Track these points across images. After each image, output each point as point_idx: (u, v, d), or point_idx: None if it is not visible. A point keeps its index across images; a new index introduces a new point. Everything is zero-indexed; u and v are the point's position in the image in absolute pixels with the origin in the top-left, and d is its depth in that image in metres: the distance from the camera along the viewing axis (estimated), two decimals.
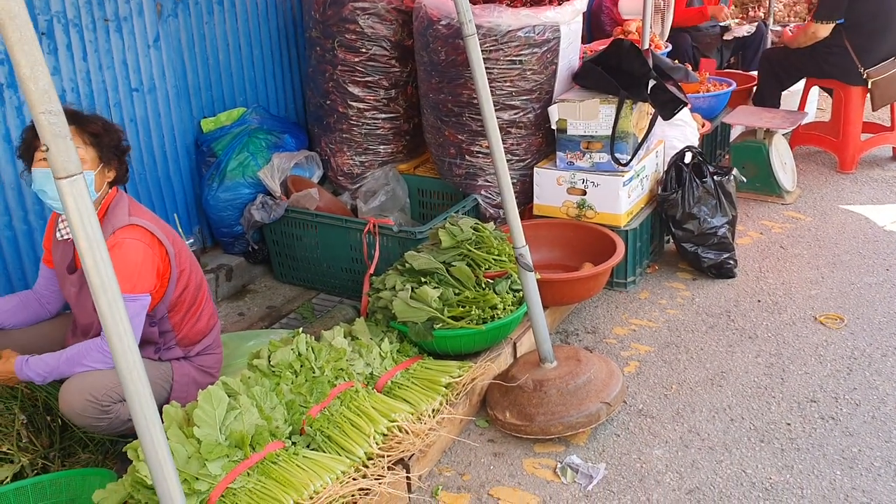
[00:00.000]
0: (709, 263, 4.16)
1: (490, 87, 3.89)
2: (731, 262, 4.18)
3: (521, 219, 4.28)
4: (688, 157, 4.24)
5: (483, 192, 4.19)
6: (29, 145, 2.69)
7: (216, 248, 4.49)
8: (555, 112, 4.01)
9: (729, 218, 4.16)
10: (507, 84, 3.97)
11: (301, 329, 3.05)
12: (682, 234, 4.14)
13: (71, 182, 1.60)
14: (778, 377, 3.35)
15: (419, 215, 4.59)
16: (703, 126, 5.12)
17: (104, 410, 2.62)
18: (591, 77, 4.02)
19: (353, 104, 4.40)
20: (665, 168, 4.29)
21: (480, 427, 3.15)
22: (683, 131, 4.53)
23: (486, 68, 3.88)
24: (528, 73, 3.97)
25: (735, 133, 5.81)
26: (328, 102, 4.46)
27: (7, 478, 2.69)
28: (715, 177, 4.17)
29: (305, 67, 4.68)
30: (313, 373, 2.82)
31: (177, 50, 4.08)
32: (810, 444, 2.93)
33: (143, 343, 2.85)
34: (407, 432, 2.68)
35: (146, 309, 2.68)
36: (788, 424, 3.05)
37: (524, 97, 4.03)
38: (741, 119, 5.31)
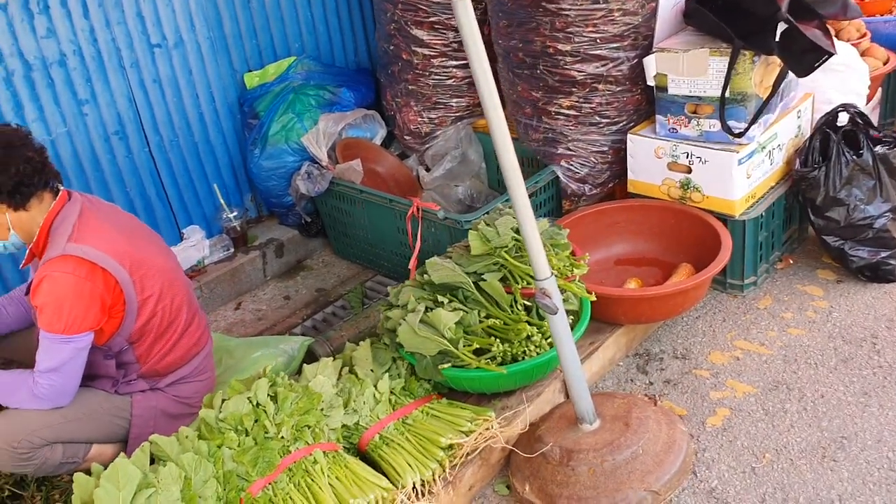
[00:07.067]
0: (860, 264, 3.13)
1: (566, 33, 3.11)
2: (893, 262, 3.12)
3: (613, 197, 3.46)
4: (842, 119, 3.16)
5: (563, 163, 3.38)
6: None
7: (272, 217, 4.02)
8: (651, 64, 3.08)
9: (893, 204, 3.08)
10: (590, 29, 3.08)
11: (279, 370, 2.51)
12: (824, 225, 3.13)
13: None
14: None
15: (497, 182, 3.84)
16: (885, 62, 3.88)
17: (25, 458, 2.30)
18: (700, 18, 3.03)
19: (418, 50, 3.67)
20: (811, 132, 3.25)
21: (499, 494, 2.49)
22: (844, 79, 3.39)
23: (562, 10, 3.06)
24: (617, 13, 3.05)
25: None
26: (391, 48, 3.76)
27: None
28: (878, 147, 3.08)
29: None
30: (266, 432, 2.28)
31: None
32: None
33: (99, 377, 2.48)
34: None
35: (86, 349, 2.29)
36: None
37: (613, 45, 3.12)
38: None
